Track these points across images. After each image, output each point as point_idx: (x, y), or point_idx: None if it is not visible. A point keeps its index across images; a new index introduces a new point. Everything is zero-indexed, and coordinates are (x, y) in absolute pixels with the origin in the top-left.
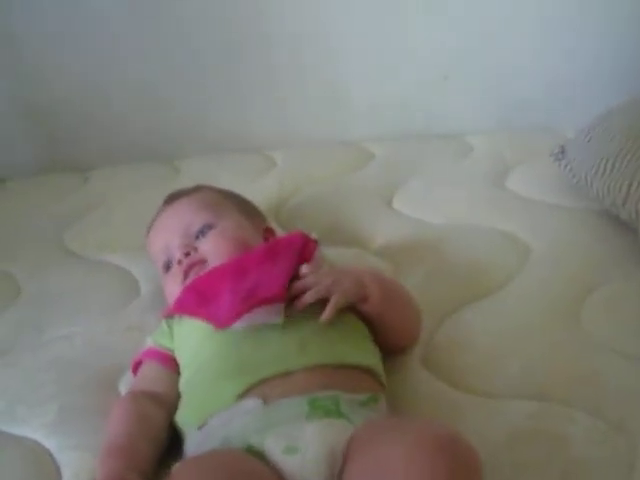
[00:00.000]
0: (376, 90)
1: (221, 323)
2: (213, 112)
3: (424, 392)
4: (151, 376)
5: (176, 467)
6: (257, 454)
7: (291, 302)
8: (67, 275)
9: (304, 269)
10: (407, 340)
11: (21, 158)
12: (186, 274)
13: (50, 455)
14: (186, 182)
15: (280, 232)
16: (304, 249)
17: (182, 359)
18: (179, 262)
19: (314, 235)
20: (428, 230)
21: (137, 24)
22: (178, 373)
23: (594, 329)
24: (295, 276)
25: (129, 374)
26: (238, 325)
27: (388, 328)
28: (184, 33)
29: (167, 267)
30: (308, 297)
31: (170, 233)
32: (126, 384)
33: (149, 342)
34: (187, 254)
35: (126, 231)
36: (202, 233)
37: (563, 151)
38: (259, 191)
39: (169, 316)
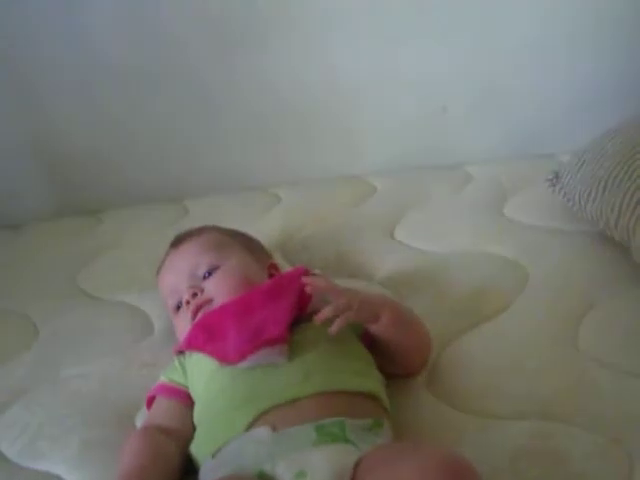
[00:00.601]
0: (376, 124)
1: (227, 361)
2: (219, 152)
3: (428, 415)
4: (163, 411)
5: None
6: (268, 479)
7: (293, 340)
8: (81, 315)
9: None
10: (415, 366)
11: (35, 203)
12: (194, 314)
13: None
14: (195, 221)
15: (286, 266)
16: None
17: (195, 392)
18: (187, 303)
19: (317, 270)
20: (430, 259)
21: (146, 69)
22: (191, 407)
23: (591, 348)
24: (298, 314)
25: (144, 409)
26: (244, 365)
27: (397, 352)
28: (191, 75)
29: (177, 308)
30: (327, 313)
31: (178, 276)
32: (142, 418)
33: (162, 378)
34: (194, 295)
35: (138, 271)
36: (208, 274)
37: (557, 176)
38: (265, 227)
39: (180, 353)
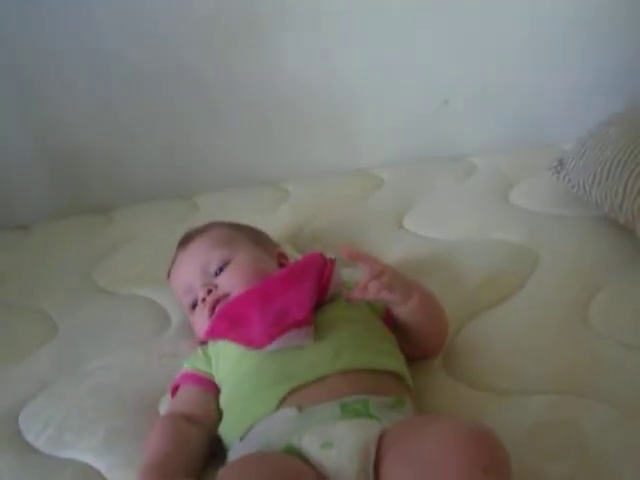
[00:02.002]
0: (380, 118)
1: (254, 346)
2: (227, 148)
3: (446, 394)
4: (187, 398)
5: (223, 469)
6: (295, 452)
7: (316, 322)
8: (99, 310)
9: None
10: (432, 349)
11: (45, 203)
12: (212, 310)
13: (100, 475)
14: (206, 217)
15: (296, 256)
16: (324, 269)
17: (220, 378)
18: (203, 300)
19: (331, 255)
20: (439, 247)
21: (153, 68)
22: (216, 394)
23: (601, 326)
24: (319, 297)
25: (167, 397)
26: (270, 348)
27: (417, 335)
28: (197, 71)
29: (193, 307)
30: (372, 291)
31: (190, 275)
32: (165, 406)
33: (185, 367)
34: (209, 292)
35: (152, 265)
36: (220, 269)
37: (561, 164)
38: (276, 221)
39: (202, 344)
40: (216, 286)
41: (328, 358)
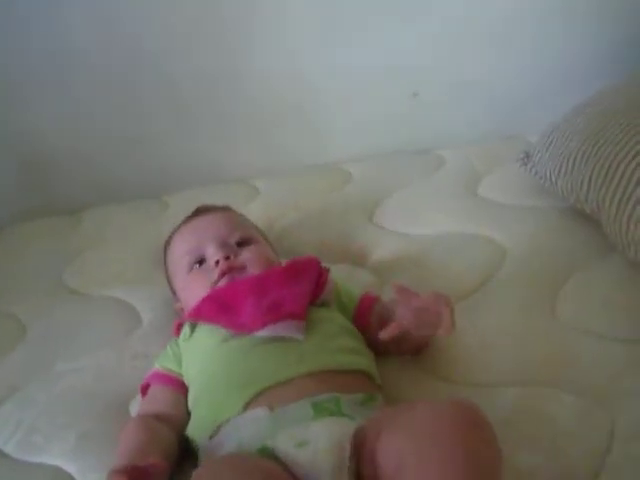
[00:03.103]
0: (348, 112)
1: (242, 328)
2: (196, 146)
3: (418, 387)
4: (157, 398)
5: (197, 471)
6: (270, 453)
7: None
8: (69, 312)
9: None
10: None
11: (12, 205)
12: (222, 274)
13: (72, 479)
14: (176, 215)
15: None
16: (320, 274)
17: (189, 377)
18: (216, 263)
19: (325, 265)
20: (408, 241)
21: (120, 66)
22: (184, 394)
23: (569, 315)
24: (312, 299)
25: (138, 398)
26: (260, 333)
27: (410, 344)
28: (164, 71)
29: (195, 267)
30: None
31: (205, 237)
32: (136, 407)
33: (155, 366)
34: (227, 257)
35: (123, 266)
36: (242, 245)
37: (528, 155)
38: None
39: (178, 329)
40: (235, 255)
41: (292, 361)
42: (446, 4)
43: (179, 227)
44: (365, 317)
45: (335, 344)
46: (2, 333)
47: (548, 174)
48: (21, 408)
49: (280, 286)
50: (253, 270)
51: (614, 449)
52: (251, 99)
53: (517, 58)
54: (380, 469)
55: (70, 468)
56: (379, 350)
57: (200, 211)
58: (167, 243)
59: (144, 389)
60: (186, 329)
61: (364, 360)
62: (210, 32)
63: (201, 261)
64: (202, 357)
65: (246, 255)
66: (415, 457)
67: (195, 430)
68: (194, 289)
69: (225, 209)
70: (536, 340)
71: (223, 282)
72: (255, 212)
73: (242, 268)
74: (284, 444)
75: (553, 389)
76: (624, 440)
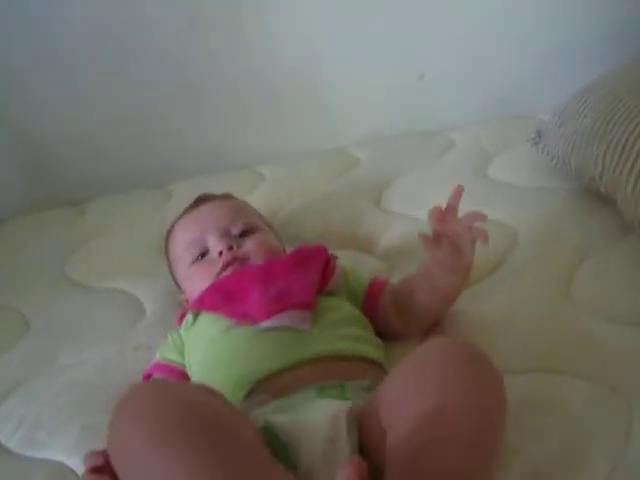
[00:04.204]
0: (354, 96)
1: (247, 318)
2: (200, 134)
3: None
4: None
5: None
6: (270, 429)
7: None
8: (72, 304)
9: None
10: (420, 330)
11: (14, 197)
12: (226, 266)
13: (74, 473)
14: (180, 205)
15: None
16: (327, 262)
17: (191, 365)
18: (220, 254)
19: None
20: (417, 225)
21: (124, 53)
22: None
23: (584, 299)
24: (319, 288)
25: None
26: (266, 323)
27: (421, 315)
28: (170, 57)
29: (198, 258)
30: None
31: (207, 227)
32: None
33: (157, 357)
34: (230, 248)
35: (126, 257)
36: (244, 234)
37: (539, 135)
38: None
39: (180, 320)
40: (238, 246)
41: (298, 347)
42: None
43: (180, 217)
44: (374, 301)
45: (341, 332)
46: (5, 327)
47: (560, 154)
48: (24, 402)
49: (287, 274)
50: (256, 260)
51: (631, 437)
52: (256, 84)
53: (525, 35)
54: (381, 415)
55: (72, 462)
56: (389, 333)
57: (201, 200)
58: (168, 234)
59: (145, 380)
60: (189, 317)
61: (371, 348)
62: (216, 15)
63: (204, 252)
64: (204, 346)
65: (249, 245)
66: (415, 386)
67: None
68: (197, 281)
69: (226, 197)
70: (550, 325)
71: (227, 273)
72: (260, 199)
73: (245, 259)
74: (282, 419)
75: (567, 376)
76: None
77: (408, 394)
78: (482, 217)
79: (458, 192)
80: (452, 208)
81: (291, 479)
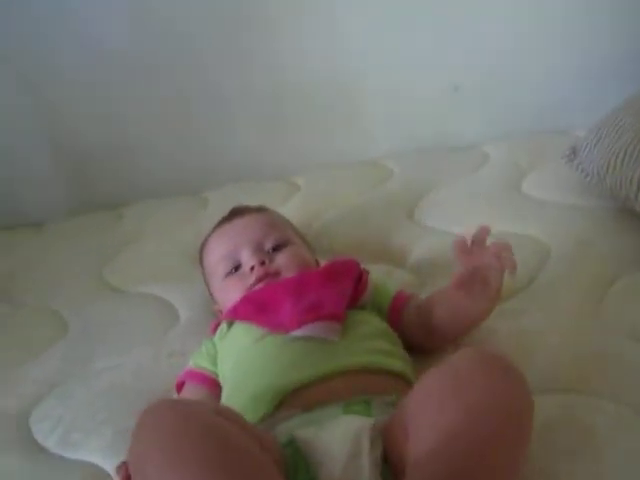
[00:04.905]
0: (389, 108)
1: (279, 328)
2: (236, 143)
3: None
4: (189, 396)
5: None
6: (294, 444)
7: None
8: (109, 308)
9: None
10: (442, 344)
11: (55, 202)
12: (259, 280)
13: (108, 476)
14: (216, 213)
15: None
16: (360, 276)
17: (223, 374)
18: (252, 269)
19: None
20: (449, 240)
21: (158, 63)
22: (217, 392)
23: (617, 320)
24: (352, 301)
25: (175, 396)
26: (297, 333)
27: (442, 334)
28: (203, 66)
29: (231, 272)
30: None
31: (240, 241)
32: None
33: (190, 364)
34: (262, 263)
35: (162, 263)
36: (276, 249)
37: (574, 152)
38: (286, 215)
39: (214, 329)
40: (270, 261)
41: (328, 358)
42: (488, 3)
43: (214, 230)
44: (398, 315)
45: (370, 345)
46: (45, 328)
47: (595, 171)
48: (61, 404)
49: (319, 288)
50: (288, 274)
51: None
52: (292, 95)
53: (560, 49)
54: (405, 425)
55: (107, 465)
56: (414, 345)
57: (235, 213)
58: (203, 246)
59: (179, 387)
60: (223, 326)
61: (398, 362)
62: (251, 29)
63: (237, 266)
64: (237, 354)
65: (281, 259)
66: (440, 397)
67: None
68: (230, 293)
69: (260, 210)
70: (580, 345)
71: (259, 287)
72: (294, 209)
73: (277, 273)
74: (307, 434)
75: (595, 397)
76: None
77: (432, 404)
78: (509, 249)
79: (484, 231)
80: (479, 241)
81: None
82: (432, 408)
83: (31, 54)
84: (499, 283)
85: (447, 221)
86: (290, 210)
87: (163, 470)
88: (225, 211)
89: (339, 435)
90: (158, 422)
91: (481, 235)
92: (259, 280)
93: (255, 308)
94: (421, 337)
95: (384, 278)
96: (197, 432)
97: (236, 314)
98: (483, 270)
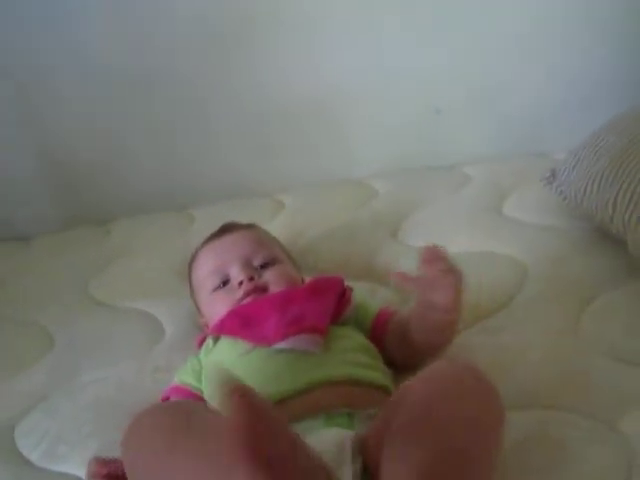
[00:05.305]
0: (372, 128)
1: (263, 341)
2: (222, 160)
3: None
4: None
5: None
6: None
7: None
8: (95, 322)
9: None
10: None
11: (43, 216)
12: (247, 295)
13: None
14: (202, 230)
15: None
16: (344, 293)
17: (207, 393)
18: (240, 283)
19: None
20: None
21: (146, 80)
22: None
23: (592, 338)
24: (334, 316)
25: None
26: (280, 345)
27: (418, 349)
28: (191, 84)
29: (219, 286)
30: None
31: (229, 257)
32: None
33: (175, 380)
34: (251, 278)
35: (148, 278)
36: (264, 266)
37: (554, 174)
38: (272, 233)
39: (200, 344)
40: (259, 276)
41: (311, 369)
42: (471, 19)
43: (204, 245)
44: (381, 331)
45: (352, 358)
46: (31, 343)
47: (573, 194)
48: (47, 417)
49: (303, 302)
50: (275, 290)
51: (632, 478)
52: (277, 114)
53: (543, 74)
54: (382, 433)
55: None
56: (396, 362)
57: (225, 229)
58: (192, 260)
59: (164, 402)
60: (209, 342)
61: (380, 375)
62: (237, 42)
63: (225, 281)
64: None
65: (269, 276)
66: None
67: None
68: (217, 306)
69: (250, 227)
70: (556, 362)
71: (246, 301)
72: (280, 227)
73: (265, 289)
74: None
75: (570, 413)
76: None
77: (404, 417)
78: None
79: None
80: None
81: None
82: (405, 421)
83: (20, 69)
84: (450, 295)
85: (430, 241)
86: (276, 227)
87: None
88: (212, 228)
89: (322, 447)
90: (155, 416)
91: (429, 254)
92: (247, 294)
93: (240, 322)
94: (402, 352)
95: (367, 296)
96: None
97: (222, 328)
98: (434, 283)
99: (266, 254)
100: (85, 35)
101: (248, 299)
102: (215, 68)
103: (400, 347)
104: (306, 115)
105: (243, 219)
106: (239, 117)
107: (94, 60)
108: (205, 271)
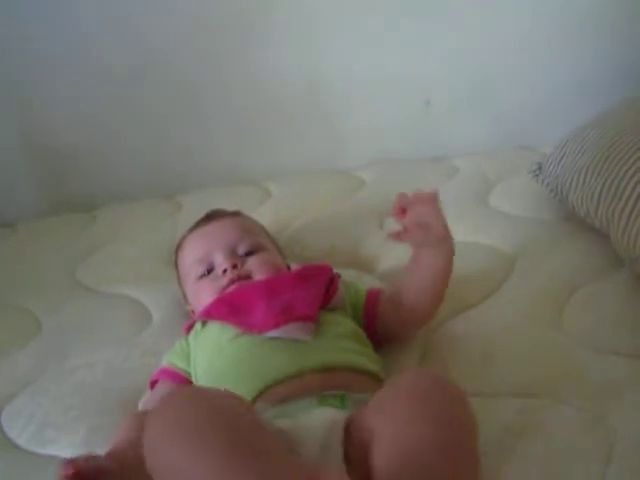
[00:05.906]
0: (361, 119)
1: (253, 328)
2: (210, 148)
3: None
4: (161, 394)
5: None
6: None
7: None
8: (82, 308)
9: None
10: (418, 318)
11: (29, 202)
12: (231, 282)
13: None
14: (189, 216)
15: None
16: (332, 280)
17: (197, 373)
18: (224, 271)
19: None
20: None
21: (136, 67)
22: None
23: (575, 328)
24: (323, 303)
25: (147, 394)
26: (271, 334)
27: (416, 297)
28: (180, 72)
29: (204, 274)
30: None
31: (214, 244)
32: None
33: (163, 363)
34: (234, 266)
35: (135, 264)
36: (249, 253)
37: (540, 167)
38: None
39: (188, 330)
40: (242, 264)
41: (303, 355)
42: (463, 15)
43: (189, 232)
44: (373, 306)
45: (343, 344)
46: (18, 327)
47: (559, 187)
48: (34, 401)
49: (291, 290)
50: (258, 277)
51: (613, 464)
52: (267, 102)
53: (531, 67)
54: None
55: None
56: (389, 335)
57: (211, 217)
58: (178, 248)
59: (152, 385)
60: (197, 325)
61: (371, 362)
62: (227, 32)
63: (210, 269)
64: (210, 353)
65: (253, 263)
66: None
67: None
68: (203, 294)
69: (235, 215)
70: (541, 352)
71: (230, 289)
72: (266, 215)
73: (248, 276)
74: (283, 424)
75: (554, 402)
76: (624, 456)
77: (387, 418)
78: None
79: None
80: (405, 204)
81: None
82: (389, 422)
83: (8, 54)
84: (439, 223)
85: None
86: (262, 215)
87: (186, 459)
88: (198, 215)
89: (314, 426)
90: (178, 411)
91: (404, 200)
92: (231, 282)
93: (228, 309)
94: (395, 320)
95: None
96: (218, 419)
97: (209, 315)
98: (419, 218)
99: (251, 242)
100: (74, 21)
101: (232, 287)
102: (205, 56)
103: (393, 317)
104: (295, 105)
105: (230, 206)
106: (228, 105)
107: (82, 47)
108: (190, 259)
